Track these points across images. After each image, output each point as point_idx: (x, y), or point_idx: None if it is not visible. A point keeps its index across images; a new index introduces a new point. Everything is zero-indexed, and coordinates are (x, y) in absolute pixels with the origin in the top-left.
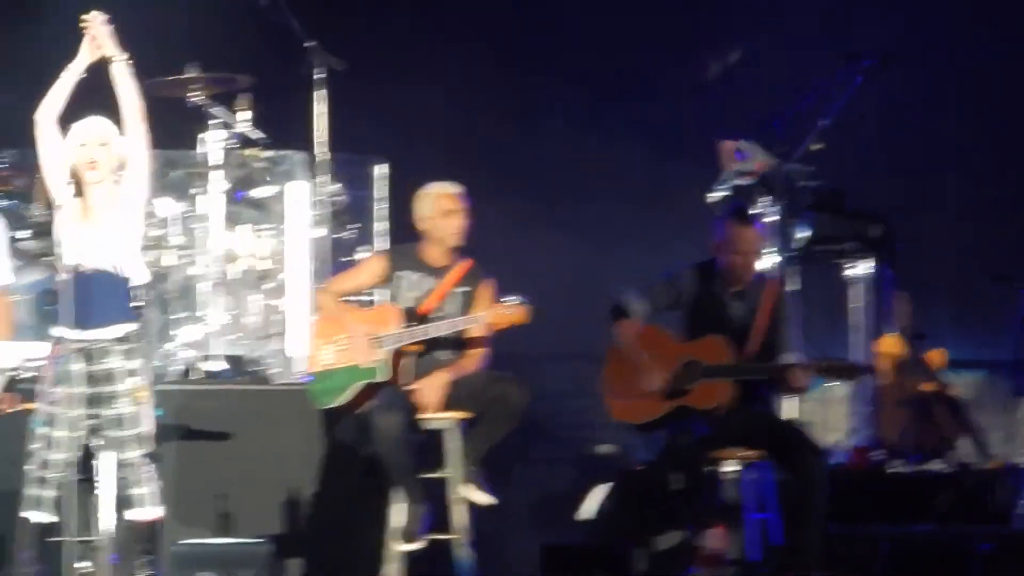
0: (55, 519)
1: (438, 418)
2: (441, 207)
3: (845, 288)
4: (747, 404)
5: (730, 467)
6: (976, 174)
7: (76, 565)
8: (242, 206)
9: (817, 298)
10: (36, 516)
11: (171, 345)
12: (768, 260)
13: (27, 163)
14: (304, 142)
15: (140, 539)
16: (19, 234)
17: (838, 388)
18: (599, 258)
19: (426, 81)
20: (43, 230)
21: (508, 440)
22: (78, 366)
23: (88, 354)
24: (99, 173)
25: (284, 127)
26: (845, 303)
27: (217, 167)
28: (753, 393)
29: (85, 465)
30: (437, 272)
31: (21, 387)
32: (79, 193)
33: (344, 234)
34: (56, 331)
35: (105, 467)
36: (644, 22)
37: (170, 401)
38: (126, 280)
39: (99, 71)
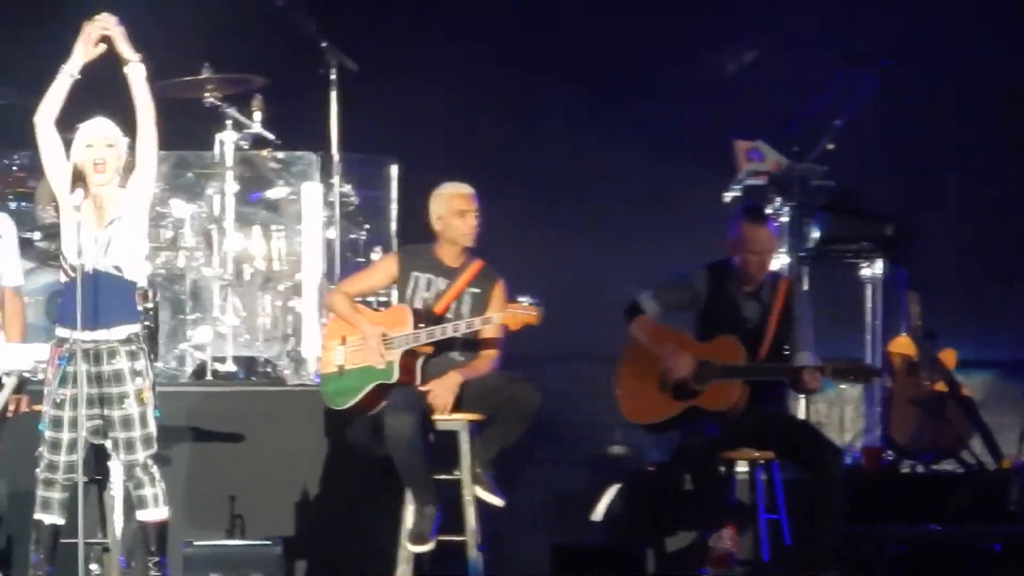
0: (61, 521)
1: (451, 419)
2: (454, 207)
3: (857, 288)
4: (759, 405)
5: (742, 468)
6: (976, 174)
7: (87, 567)
8: (254, 207)
9: (830, 298)
10: (47, 518)
11: (184, 346)
12: (781, 260)
13: (39, 165)
14: (318, 143)
15: (148, 540)
16: (30, 235)
17: (850, 388)
18: (599, 258)
19: (432, 82)
20: (54, 231)
21: (520, 441)
22: (84, 367)
23: (94, 355)
24: (106, 175)
25: (297, 128)
26: (857, 303)
27: (231, 168)
28: (765, 394)
29: (97, 467)
30: (450, 272)
31: (32, 389)
32: (84, 194)
33: (360, 235)
34: (59, 331)
35: (115, 469)
36: (644, 22)
37: (182, 402)
38: (131, 282)
39: (99, 71)
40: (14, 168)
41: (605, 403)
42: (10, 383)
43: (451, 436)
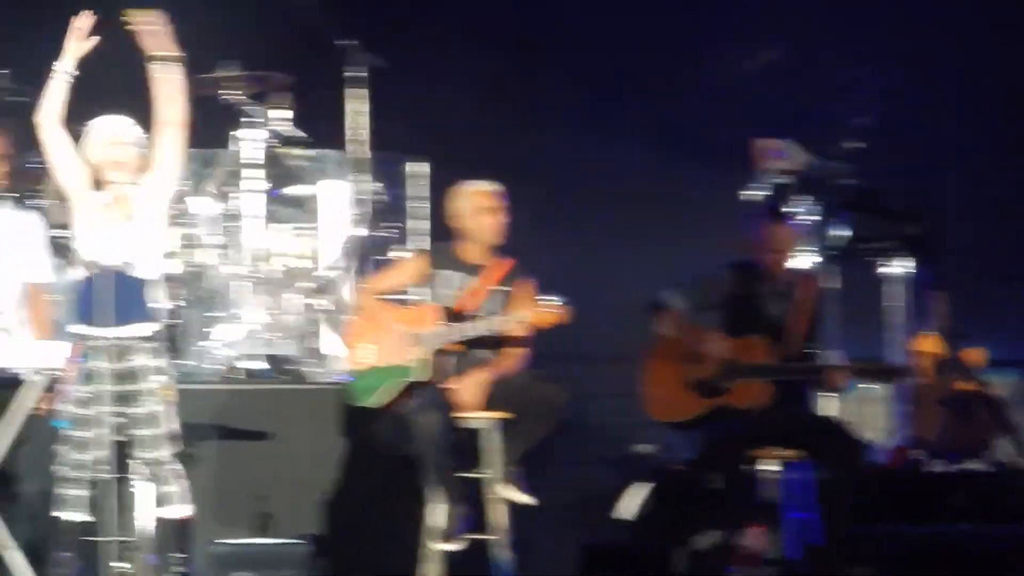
0: (88, 518)
1: (477, 417)
2: (478, 205)
3: (883, 287)
4: (785, 403)
5: (769, 466)
6: (976, 174)
7: (113, 565)
8: (278, 204)
9: (855, 297)
10: (67, 515)
11: (208, 344)
12: (805, 259)
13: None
14: (339, 140)
15: (171, 538)
16: (58, 233)
17: (876, 388)
18: (625, 258)
19: (450, 81)
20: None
21: (546, 440)
22: (104, 364)
23: (113, 352)
24: (125, 173)
25: (320, 125)
26: (883, 302)
27: (253, 165)
28: (791, 393)
29: (121, 464)
30: (476, 271)
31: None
32: (100, 190)
33: (387, 232)
34: (76, 329)
35: (138, 466)
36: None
37: (208, 401)
38: (149, 280)
39: (103, 72)
40: (41, 166)
41: (631, 402)
42: (40, 381)
43: (474, 434)
